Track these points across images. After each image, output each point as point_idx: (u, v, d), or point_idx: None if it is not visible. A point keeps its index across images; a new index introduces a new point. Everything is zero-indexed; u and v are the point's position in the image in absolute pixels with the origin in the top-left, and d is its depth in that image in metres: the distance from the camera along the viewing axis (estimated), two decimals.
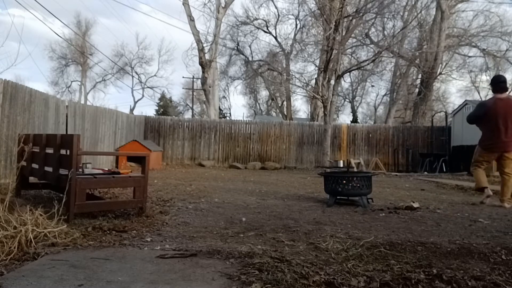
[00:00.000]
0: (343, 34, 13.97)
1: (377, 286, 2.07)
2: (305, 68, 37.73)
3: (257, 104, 39.28)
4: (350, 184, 5.09)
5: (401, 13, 18.39)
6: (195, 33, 17.54)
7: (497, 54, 20.06)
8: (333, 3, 13.14)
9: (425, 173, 12.98)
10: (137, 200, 3.98)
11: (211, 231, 3.45)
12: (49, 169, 4.14)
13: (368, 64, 15.12)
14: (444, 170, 13.04)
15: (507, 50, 19.69)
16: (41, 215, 2.93)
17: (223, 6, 18.23)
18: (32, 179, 4.94)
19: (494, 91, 5.58)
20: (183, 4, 17.34)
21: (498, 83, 5.54)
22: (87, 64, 36.73)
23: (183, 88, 41.05)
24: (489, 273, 2.34)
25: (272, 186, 7.88)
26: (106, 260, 2.44)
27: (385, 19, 16.43)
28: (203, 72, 17.91)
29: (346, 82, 28.18)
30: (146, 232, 3.29)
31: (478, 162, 5.70)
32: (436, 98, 27.44)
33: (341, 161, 12.43)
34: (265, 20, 22.44)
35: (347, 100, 33.50)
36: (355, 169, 11.89)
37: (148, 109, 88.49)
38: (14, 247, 2.51)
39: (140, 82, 37.60)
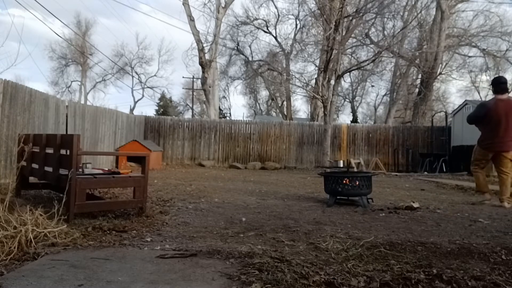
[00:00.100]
0: (343, 34, 13.97)
1: (377, 286, 2.07)
2: (305, 68, 37.80)
3: (257, 104, 39.29)
4: (350, 184, 5.09)
5: (401, 13, 18.39)
6: (195, 33, 17.54)
7: (497, 54, 20.07)
8: (333, 3, 13.14)
9: (425, 173, 12.98)
10: (137, 200, 3.98)
11: (211, 231, 3.45)
12: (49, 169, 4.14)
13: (368, 64, 15.12)
14: (444, 170, 13.03)
15: (507, 50, 19.72)
16: (41, 215, 2.93)
17: (223, 6, 18.23)
18: (32, 179, 4.94)
19: (494, 92, 5.62)
20: (183, 4, 17.34)
21: (499, 84, 5.59)
22: (87, 64, 36.73)
23: (183, 88, 41.13)
24: (489, 273, 2.34)
25: (272, 186, 7.88)
26: (106, 260, 2.44)
27: (385, 19, 16.43)
28: (203, 72, 17.91)
29: (346, 82, 28.23)
30: (146, 232, 3.29)
31: (477, 161, 5.76)
32: (436, 98, 27.45)
33: (341, 161, 12.43)
34: (265, 20, 22.46)
35: (347, 100, 33.52)
36: (355, 169, 11.90)
37: (148, 109, 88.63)
38: (14, 247, 2.51)
39: (140, 82, 37.65)
